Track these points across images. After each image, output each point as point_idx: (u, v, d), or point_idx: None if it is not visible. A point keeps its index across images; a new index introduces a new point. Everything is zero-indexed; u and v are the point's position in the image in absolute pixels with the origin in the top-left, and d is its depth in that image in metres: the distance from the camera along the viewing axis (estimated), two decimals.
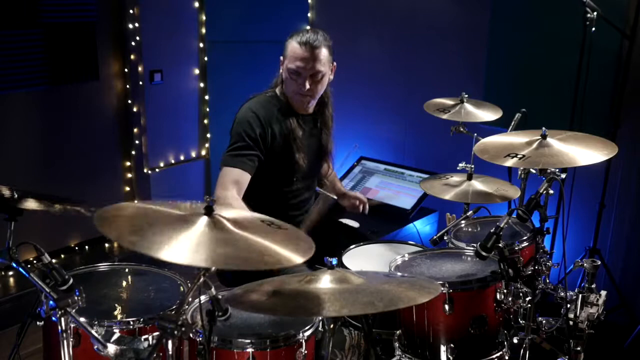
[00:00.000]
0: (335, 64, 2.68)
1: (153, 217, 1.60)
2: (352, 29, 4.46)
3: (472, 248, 2.33)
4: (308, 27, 2.65)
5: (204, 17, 4.52)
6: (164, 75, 4.40)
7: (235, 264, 1.45)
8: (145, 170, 4.43)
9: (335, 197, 3.04)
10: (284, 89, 2.66)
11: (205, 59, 4.58)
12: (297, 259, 1.52)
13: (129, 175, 4.49)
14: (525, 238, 2.44)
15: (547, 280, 2.31)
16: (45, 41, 3.83)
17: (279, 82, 2.69)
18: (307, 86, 2.56)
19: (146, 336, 1.84)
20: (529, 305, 2.13)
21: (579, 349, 2.11)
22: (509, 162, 2.21)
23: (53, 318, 1.71)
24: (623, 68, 3.37)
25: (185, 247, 1.43)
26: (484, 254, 2.05)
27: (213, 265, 1.43)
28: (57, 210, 1.93)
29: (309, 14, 4.62)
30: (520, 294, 2.09)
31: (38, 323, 1.89)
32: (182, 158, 4.66)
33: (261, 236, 1.57)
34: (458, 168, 2.76)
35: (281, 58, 2.64)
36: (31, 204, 1.85)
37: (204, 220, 1.54)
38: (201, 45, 4.56)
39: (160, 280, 2.18)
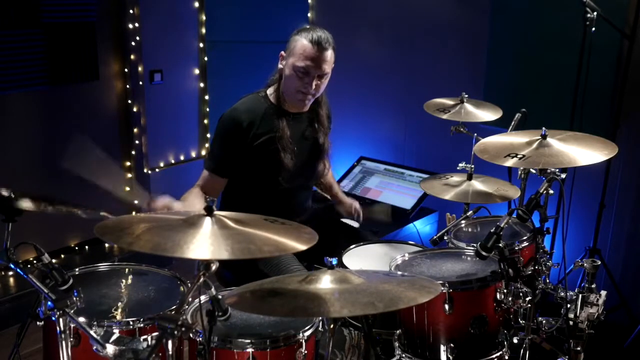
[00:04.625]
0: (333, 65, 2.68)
1: (160, 223, 1.62)
2: (352, 29, 4.46)
3: (472, 248, 2.33)
4: (315, 26, 2.62)
5: (204, 17, 4.52)
6: (164, 75, 4.40)
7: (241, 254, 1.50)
8: (145, 170, 4.44)
9: (329, 198, 3.03)
10: (282, 85, 2.60)
11: (205, 59, 4.58)
12: (299, 246, 1.58)
13: (129, 175, 4.49)
14: (525, 238, 2.44)
15: (547, 280, 2.31)
16: (45, 41, 3.83)
17: (276, 79, 2.65)
18: (314, 85, 2.54)
19: (146, 336, 1.84)
20: (529, 305, 2.13)
21: (579, 349, 2.11)
22: (509, 162, 2.21)
23: (53, 318, 1.71)
24: (623, 68, 3.37)
25: (199, 243, 1.49)
26: (484, 253, 2.05)
27: (230, 256, 1.48)
28: (55, 211, 1.93)
29: (309, 14, 4.63)
30: (520, 294, 2.09)
31: (38, 323, 1.89)
32: (182, 158, 4.66)
33: (262, 230, 1.62)
34: (458, 168, 2.76)
35: (282, 53, 2.60)
36: (29, 205, 1.85)
37: (207, 220, 1.58)
38: (201, 45, 4.56)
39: (160, 280, 2.18)
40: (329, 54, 2.54)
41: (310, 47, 2.50)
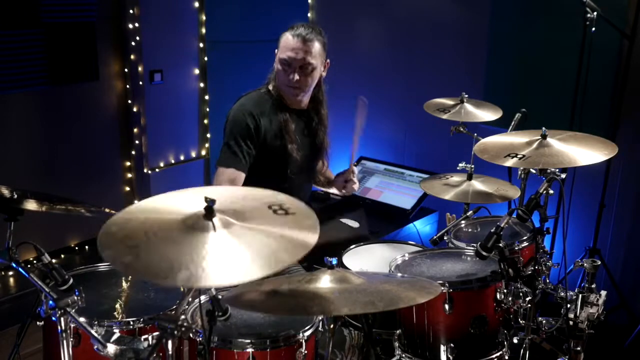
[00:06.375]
0: (328, 61, 2.70)
1: (156, 230, 1.45)
2: (352, 29, 4.46)
3: (472, 248, 2.33)
4: (303, 23, 2.68)
5: (204, 17, 4.52)
6: (164, 75, 4.40)
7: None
8: (145, 170, 4.43)
9: (331, 192, 3.03)
10: (276, 81, 2.68)
11: (205, 59, 4.58)
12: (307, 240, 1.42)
13: (129, 175, 4.49)
14: (525, 238, 2.44)
15: (547, 280, 2.31)
16: (45, 41, 3.83)
17: (273, 77, 2.71)
18: (296, 77, 2.58)
19: (146, 336, 1.84)
20: (529, 305, 2.13)
21: (579, 349, 2.10)
22: (509, 162, 2.21)
23: (53, 318, 1.72)
24: (623, 68, 3.37)
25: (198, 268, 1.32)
26: (484, 253, 2.05)
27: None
28: (57, 210, 1.93)
29: (309, 14, 4.63)
30: (520, 294, 2.09)
31: (38, 323, 1.90)
32: (182, 158, 4.66)
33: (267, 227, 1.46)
34: (458, 168, 2.77)
35: (275, 51, 2.67)
36: (31, 204, 1.85)
37: (208, 225, 1.42)
38: (201, 45, 4.56)
39: None
40: (313, 46, 2.59)
41: (292, 39, 2.59)
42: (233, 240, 1.39)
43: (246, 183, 2.59)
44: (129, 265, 1.34)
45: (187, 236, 1.39)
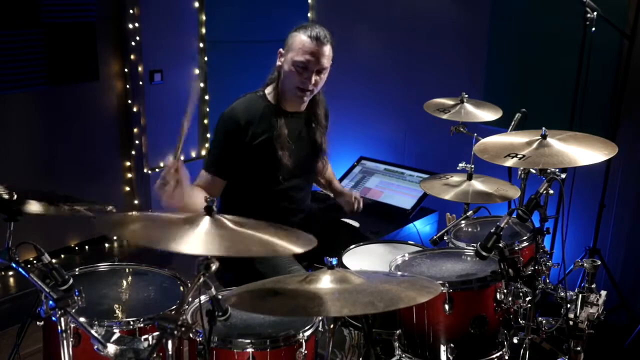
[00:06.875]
0: (331, 62, 2.68)
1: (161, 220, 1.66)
2: (352, 29, 4.46)
3: (472, 248, 2.33)
4: (313, 23, 2.64)
5: (204, 17, 4.52)
6: (164, 75, 4.40)
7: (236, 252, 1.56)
8: (145, 170, 4.44)
9: (331, 195, 3.02)
10: (281, 83, 2.61)
11: (205, 59, 4.58)
12: (295, 249, 1.62)
13: (129, 175, 4.49)
14: (525, 238, 2.45)
15: (547, 280, 2.31)
16: (45, 41, 3.84)
17: (275, 78, 2.64)
18: (313, 80, 2.54)
19: (146, 336, 1.84)
20: (529, 305, 2.13)
21: (579, 349, 2.10)
22: (509, 162, 2.21)
23: (53, 318, 1.72)
24: (623, 68, 3.37)
25: (194, 240, 1.54)
26: (484, 253, 2.05)
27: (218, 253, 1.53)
28: (57, 210, 1.93)
29: (309, 14, 4.63)
30: (520, 294, 2.09)
31: (38, 323, 1.90)
32: (182, 158, 4.66)
33: (260, 232, 1.65)
34: (458, 168, 2.76)
35: (281, 51, 2.60)
36: (31, 205, 1.85)
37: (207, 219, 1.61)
38: (201, 45, 4.56)
39: (160, 280, 2.18)
40: (328, 49, 2.55)
41: (309, 42, 2.51)
42: (226, 228, 1.61)
43: (237, 186, 2.59)
44: (132, 233, 1.61)
45: (186, 226, 1.59)
